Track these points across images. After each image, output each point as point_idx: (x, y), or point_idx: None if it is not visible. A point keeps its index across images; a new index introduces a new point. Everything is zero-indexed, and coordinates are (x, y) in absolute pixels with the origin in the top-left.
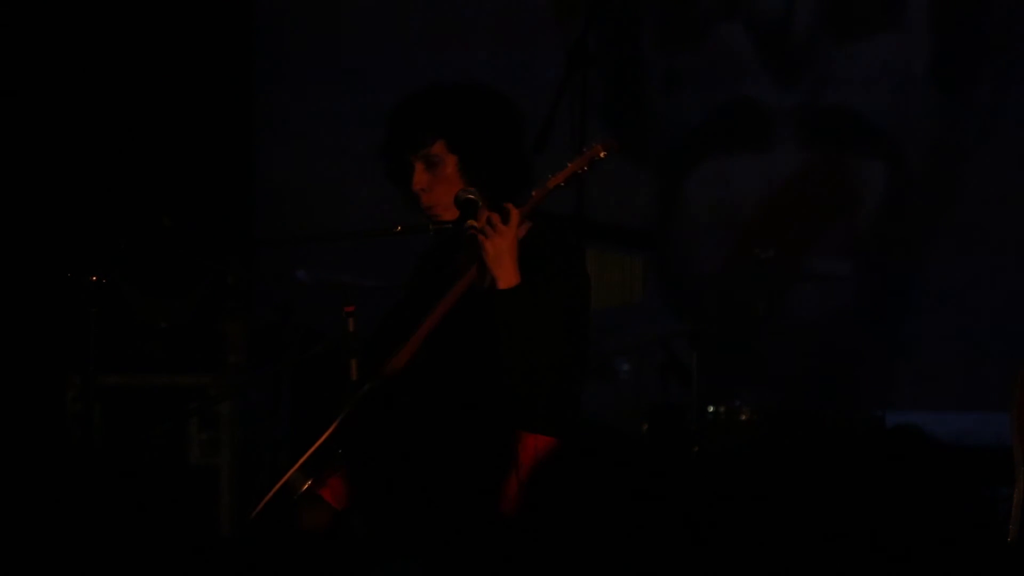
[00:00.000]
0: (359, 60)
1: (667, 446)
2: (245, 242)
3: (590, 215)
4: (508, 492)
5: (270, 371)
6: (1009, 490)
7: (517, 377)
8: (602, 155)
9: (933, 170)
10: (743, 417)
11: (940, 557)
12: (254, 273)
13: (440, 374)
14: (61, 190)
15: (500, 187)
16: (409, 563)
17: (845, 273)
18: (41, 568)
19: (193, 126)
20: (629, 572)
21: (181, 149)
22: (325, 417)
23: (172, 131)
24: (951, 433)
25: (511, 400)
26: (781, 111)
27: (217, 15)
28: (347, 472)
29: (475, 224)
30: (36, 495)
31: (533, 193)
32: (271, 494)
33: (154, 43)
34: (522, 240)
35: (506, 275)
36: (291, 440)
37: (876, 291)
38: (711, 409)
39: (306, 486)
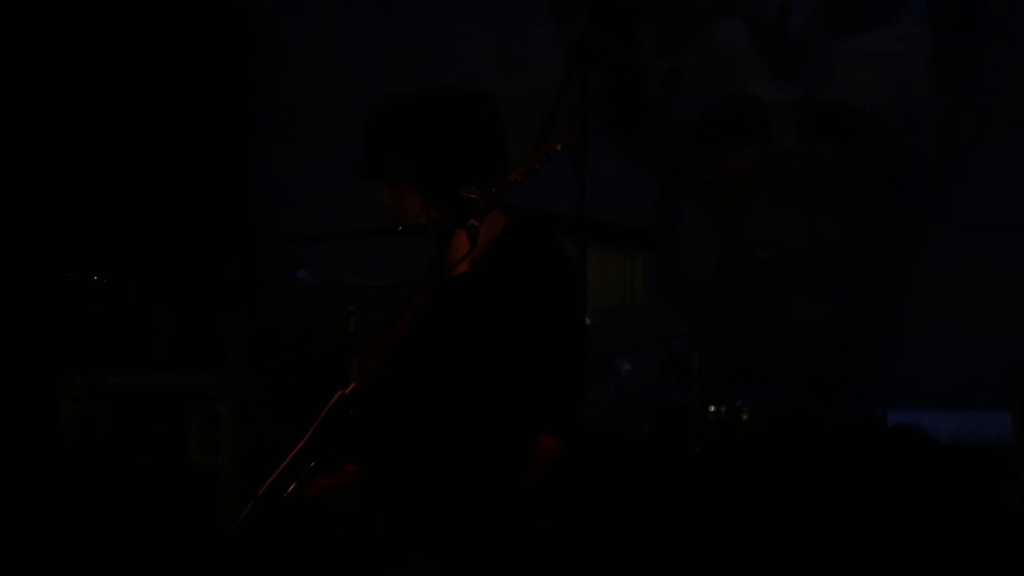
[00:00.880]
0: (360, 60)
1: (668, 446)
2: (245, 242)
3: (591, 215)
4: (521, 493)
5: (271, 371)
6: (1009, 489)
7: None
8: (558, 148)
9: (933, 164)
10: (743, 417)
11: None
12: (254, 273)
13: (419, 373)
14: (60, 189)
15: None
16: (423, 562)
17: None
18: (41, 568)
19: (194, 126)
20: (630, 571)
21: (182, 149)
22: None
23: (173, 131)
24: (951, 433)
25: (489, 397)
26: (780, 106)
27: (219, 16)
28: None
29: (476, 223)
30: (35, 495)
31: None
32: (250, 506)
33: (156, 43)
34: (496, 239)
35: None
36: (292, 440)
37: (876, 290)
38: (711, 409)
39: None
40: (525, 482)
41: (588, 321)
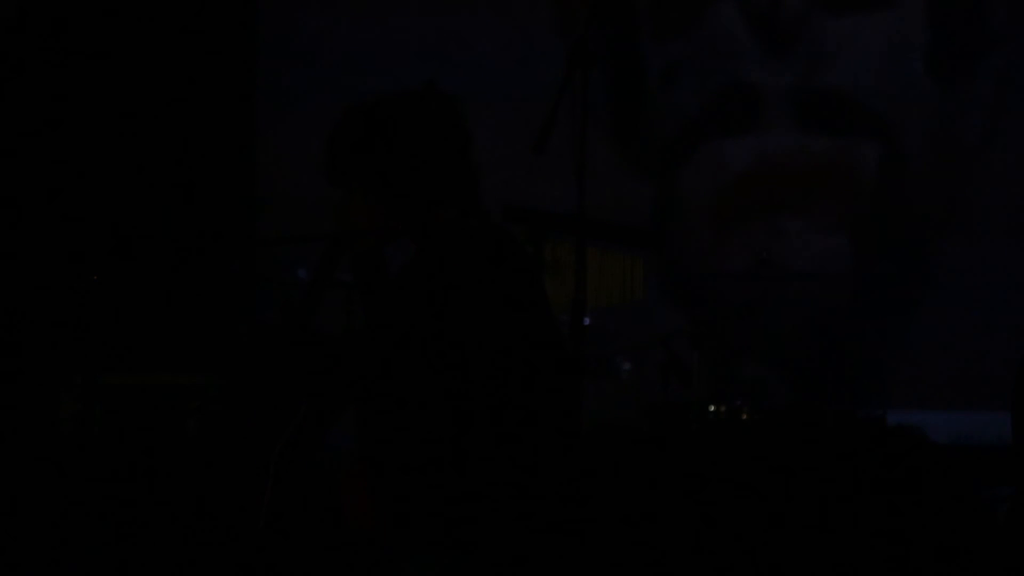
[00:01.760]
0: (361, 59)
1: (668, 446)
2: (245, 242)
3: (590, 213)
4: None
5: (271, 370)
6: (1010, 490)
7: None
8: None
9: (934, 158)
10: (743, 417)
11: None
12: (254, 273)
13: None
14: (59, 188)
15: (421, 202)
16: (437, 555)
17: (841, 269)
18: (40, 568)
19: (194, 125)
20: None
21: (182, 148)
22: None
23: (172, 130)
24: (952, 433)
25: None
26: (777, 93)
27: (219, 14)
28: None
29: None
30: (33, 495)
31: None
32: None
33: (156, 41)
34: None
35: None
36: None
37: (876, 289)
38: (711, 409)
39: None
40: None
41: (588, 321)
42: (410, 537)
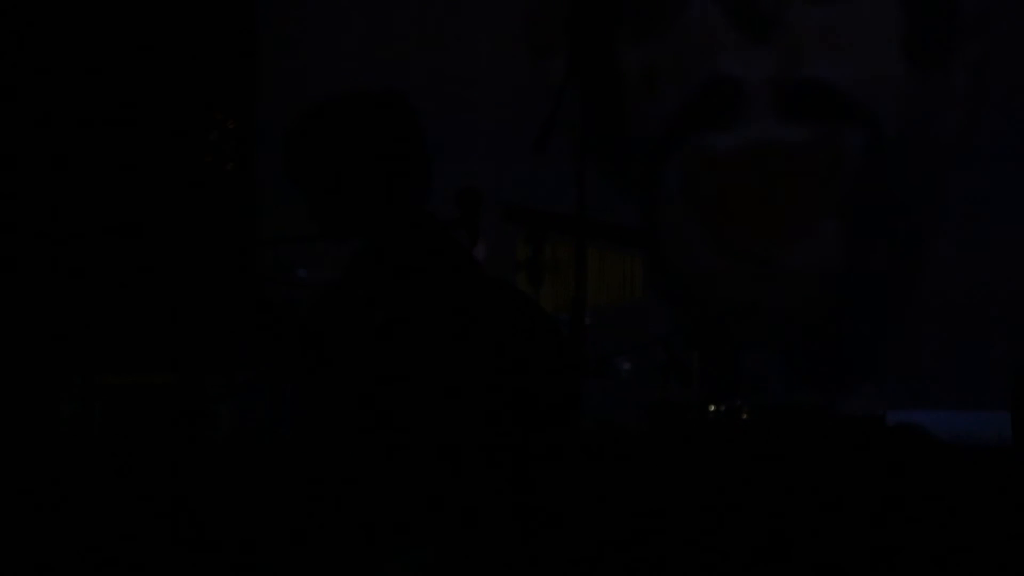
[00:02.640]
0: (361, 60)
1: (668, 446)
2: (245, 242)
3: (590, 213)
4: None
5: (271, 370)
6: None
7: None
8: None
9: (919, 151)
10: (743, 417)
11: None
12: (254, 273)
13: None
14: (59, 187)
15: (368, 205)
16: (422, 552)
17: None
18: (40, 567)
19: (193, 124)
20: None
21: (182, 147)
22: None
23: (172, 129)
24: (951, 433)
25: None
26: (757, 85)
27: (219, 13)
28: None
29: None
30: (33, 495)
31: None
32: None
33: (154, 42)
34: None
35: None
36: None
37: (876, 289)
38: (711, 408)
39: None
40: None
41: (588, 321)
42: (396, 534)
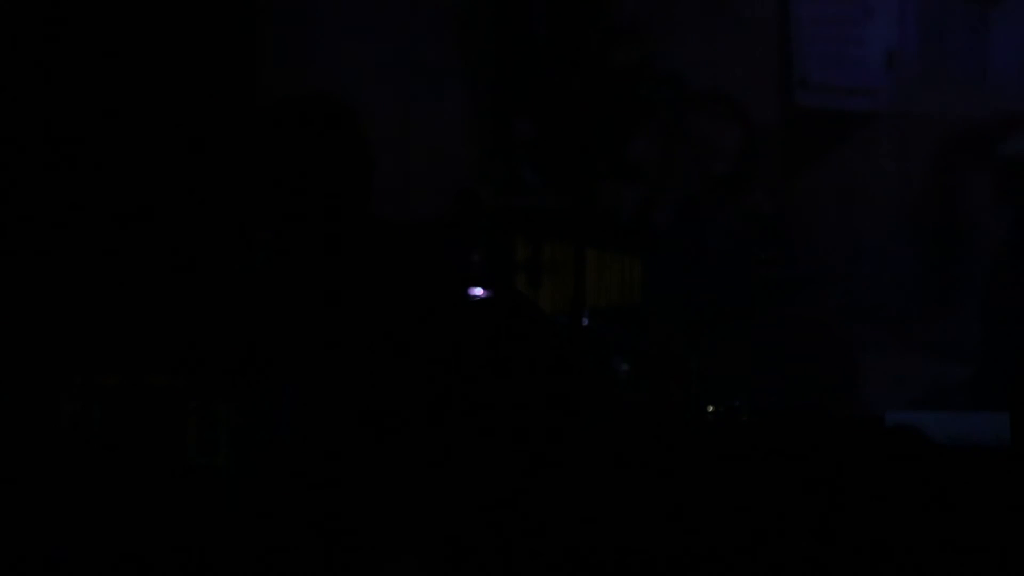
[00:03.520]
0: (361, 59)
1: (667, 446)
2: (246, 241)
3: (589, 213)
4: None
5: (271, 369)
6: (1008, 490)
7: None
8: None
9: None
10: (742, 417)
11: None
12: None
13: None
14: (59, 187)
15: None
16: (410, 560)
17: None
18: (40, 568)
19: (193, 122)
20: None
21: (181, 146)
22: None
23: (171, 128)
24: (950, 433)
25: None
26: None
27: (218, 15)
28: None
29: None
30: (33, 495)
31: None
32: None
33: (153, 40)
34: None
35: None
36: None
37: (876, 288)
38: (711, 409)
39: None
40: None
41: (586, 322)
42: (394, 538)
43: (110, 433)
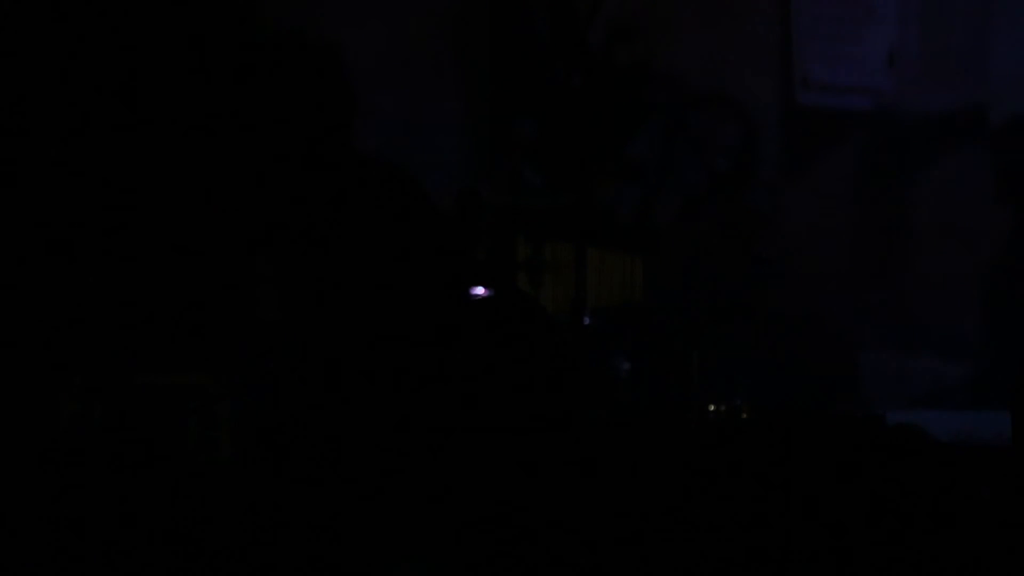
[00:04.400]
0: (362, 59)
1: (668, 445)
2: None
3: (591, 213)
4: None
5: (271, 369)
6: (1009, 488)
7: None
8: None
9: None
10: (743, 416)
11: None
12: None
13: None
14: (59, 186)
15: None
16: (417, 564)
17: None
18: (39, 567)
19: (193, 121)
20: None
21: (181, 145)
22: None
23: (171, 127)
24: (951, 433)
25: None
26: None
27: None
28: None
29: None
30: (34, 495)
31: None
32: None
33: (155, 37)
34: None
35: None
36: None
37: (876, 288)
38: (711, 408)
39: None
40: None
41: (587, 321)
42: (399, 540)
43: (110, 433)
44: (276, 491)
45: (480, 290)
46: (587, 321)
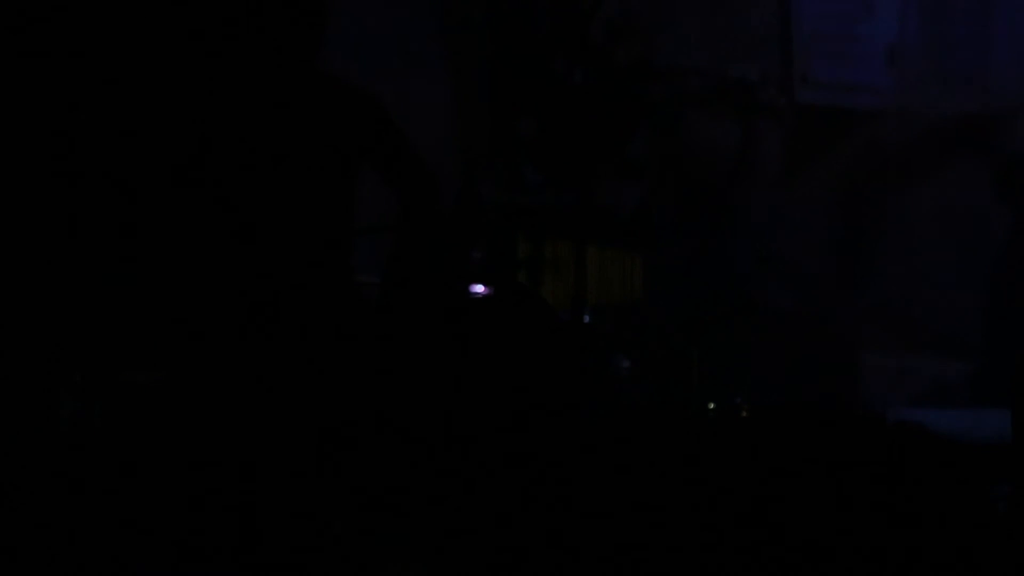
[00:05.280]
0: (360, 56)
1: (667, 445)
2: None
3: (591, 211)
4: None
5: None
6: (1010, 486)
7: None
8: None
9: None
10: (742, 415)
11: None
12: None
13: None
14: (59, 186)
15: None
16: (413, 564)
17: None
18: (40, 567)
19: (192, 118)
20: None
21: (180, 144)
22: None
23: (171, 127)
24: (952, 430)
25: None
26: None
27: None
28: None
29: None
30: (34, 495)
31: None
32: None
33: (155, 37)
34: None
35: None
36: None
37: (876, 288)
38: (711, 407)
39: None
40: None
41: (587, 319)
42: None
43: (110, 433)
44: (276, 491)
45: (480, 288)
46: (588, 318)
